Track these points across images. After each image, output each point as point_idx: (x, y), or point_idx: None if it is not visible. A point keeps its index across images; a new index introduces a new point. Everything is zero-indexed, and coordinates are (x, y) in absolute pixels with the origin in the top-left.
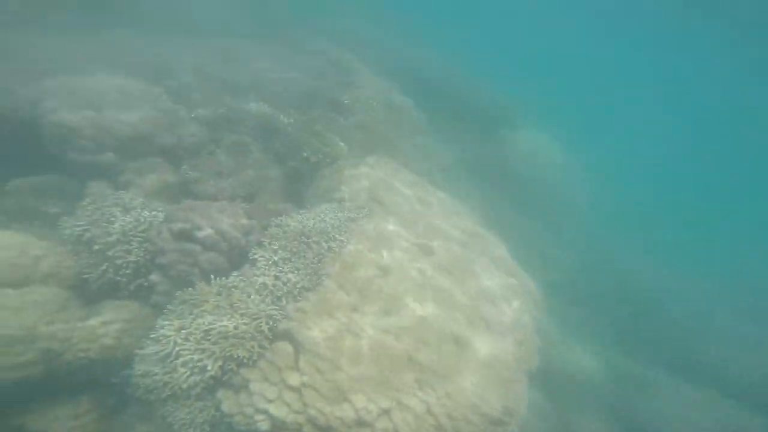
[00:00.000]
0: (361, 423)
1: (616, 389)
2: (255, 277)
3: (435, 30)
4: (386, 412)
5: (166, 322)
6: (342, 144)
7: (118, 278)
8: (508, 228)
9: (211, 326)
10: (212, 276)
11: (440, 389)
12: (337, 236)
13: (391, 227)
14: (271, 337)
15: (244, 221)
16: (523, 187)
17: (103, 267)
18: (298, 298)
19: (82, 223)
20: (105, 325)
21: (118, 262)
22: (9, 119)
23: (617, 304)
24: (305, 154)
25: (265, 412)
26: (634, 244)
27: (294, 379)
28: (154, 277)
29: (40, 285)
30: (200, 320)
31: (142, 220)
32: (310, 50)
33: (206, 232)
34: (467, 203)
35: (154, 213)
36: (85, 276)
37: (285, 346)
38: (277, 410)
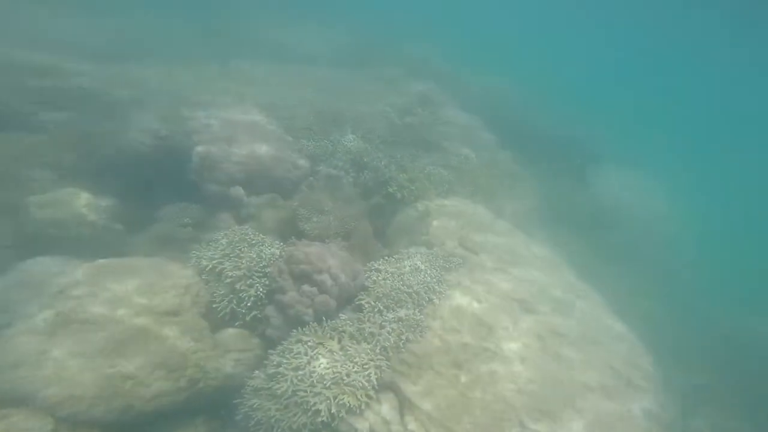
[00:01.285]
0: None
1: None
2: (362, 324)
3: (507, 56)
4: None
5: (284, 360)
6: (427, 182)
7: (239, 309)
8: (600, 281)
9: (326, 371)
10: (323, 318)
11: None
12: (435, 287)
13: (484, 276)
14: (377, 387)
15: (352, 266)
16: (611, 230)
17: (229, 298)
18: (402, 349)
19: (217, 256)
20: (227, 354)
21: (242, 295)
22: (165, 147)
23: (729, 362)
24: (391, 190)
25: None
26: (746, 296)
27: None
28: (270, 311)
29: (187, 313)
30: (315, 363)
31: (264, 256)
32: (396, 82)
33: (323, 276)
34: (554, 249)
35: (272, 250)
36: (215, 306)
37: (389, 397)
38: None
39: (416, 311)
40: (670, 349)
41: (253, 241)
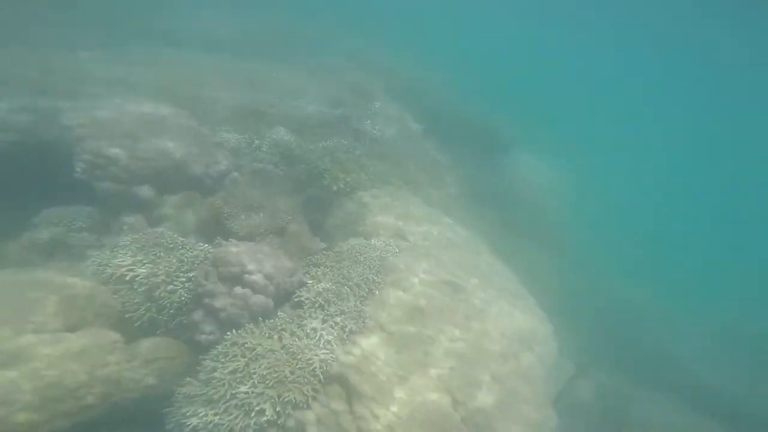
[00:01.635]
0: None
1: (607, 406)
2: (304, 321)
3: (433, 49)
4: None
5: (219, 364)
6: (362, 173)
7: (160, 317)
8: (513, 255)
9: (267, 371)
10: (260, 318)
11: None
12: (374, 278)
13: (420, 265)
14: (323, 380)
15: (288, 264)
16: (522, 211)
17: (147, 306)
18: (347, 341)
19: (127, 262)
20: (148, 364)
21: (163, 302)
22: (36, 144)
23: (608, 328)
24: (326, 182)
25: None
26: (626, 268)
27: (348, 422)
28: (198, 316)
29: (91, 327)
30: (255, 364)
31: (186, 260)
32: (326, 73)
33: (256, 276)
34: (478, 231)
35: (195, 253)
36: (128, 315)
37: (337, 390)
38: None
39: (357, 303)
40: (565, 316)
41: (172, 245)
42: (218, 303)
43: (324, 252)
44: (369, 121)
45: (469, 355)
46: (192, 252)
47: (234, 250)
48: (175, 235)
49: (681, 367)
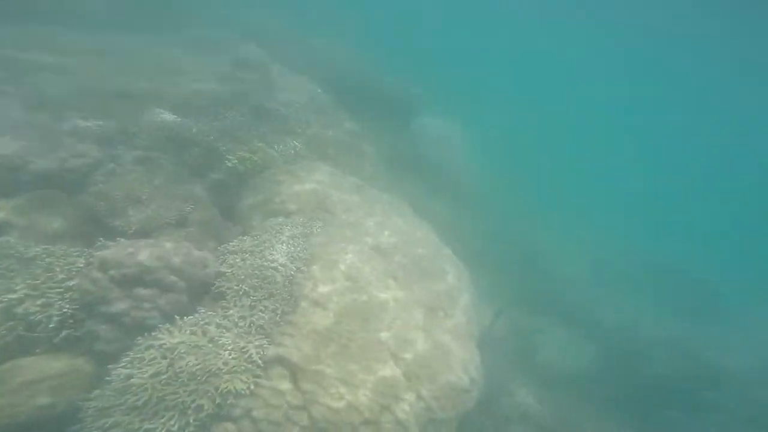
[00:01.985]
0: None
1: (518, 339)
2: (229, 311)
3: (339, 18)
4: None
5: (134, 371)
6: (271, 150)
7: (35, 334)
8: (431, 214)
9: (197, 367)
10: (176, 316)
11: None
12: (301, 255)
13: (346, 235)
14: (262, 365)
15: (197, 253)
16: (433, 171)
17: (8, 326)
18: (281, 323)
19: None
20: (32, 384)
21: (34, 318)
22: None
23: (513, 267)
24: (230, 164)
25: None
26: (529, 212)
27: (297, 399)
28: (93, 325)
29: None
30: (181, 362)
31: (58, 269)
32: (216, 46)
33: (160, 273)
34: (394, 194)
35: (72, 260)
36: None
37: (280, 371)
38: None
39: (286, 283)
40: (478, 259)
41: (29, 255)
42: (116, 308)
43: (241, 238)
44: (272, 96)
45: (403, 304)
46: (65, 259)
47: (128, 249)
48: (30, 243)
49: (571, 300)
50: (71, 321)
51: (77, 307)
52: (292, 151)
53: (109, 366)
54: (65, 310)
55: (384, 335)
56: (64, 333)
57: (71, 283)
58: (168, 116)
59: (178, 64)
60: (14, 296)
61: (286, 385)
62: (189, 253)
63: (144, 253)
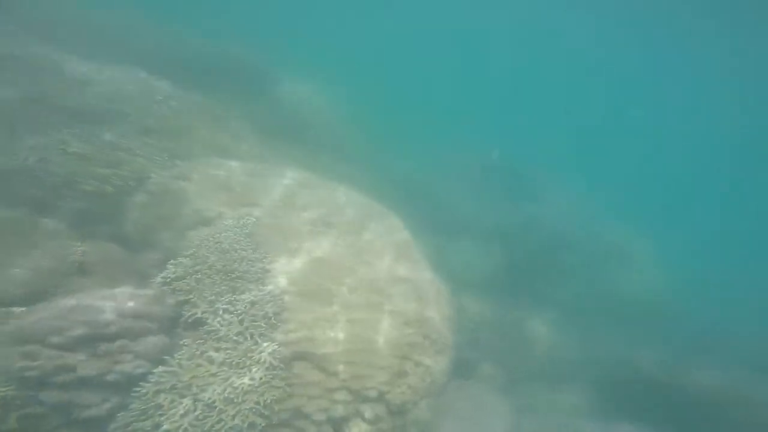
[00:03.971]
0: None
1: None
2: (219, 332)
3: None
4: None
5: (159, 419)
6: (137, 158)
7: None
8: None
9: (226, 392)
10: (165, 358)
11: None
12: (255, 255)
13: (286, 222)
14: (283, 366)
15: (146, 291)
16: (306, 133)
17: None
18: (278, 324)
19: None
20: None
21: None
22: None
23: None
24: (89, 188)
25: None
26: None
27: (336, 383)
28: (59, 396)
29: None
30: (205, 395)
31: None
32: None
33: (122, 323)
34: (287, 164)
35: None
36: None
37: (303, 364)
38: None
39: (260, 286)
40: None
41: None
42: (88, 371)
43: (173, 262)
44: (88, 91)
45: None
46: None
47: (64, 307)
48: None
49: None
50: (18, 402)
51: (17, 387)
52: (165, 154)
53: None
54: (9, 394)
55: (348, 281)
56: (19, 413)
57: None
58: None
59: None
60: None
61: (316, 375)
62: (134, 294)
63: (80, 309)
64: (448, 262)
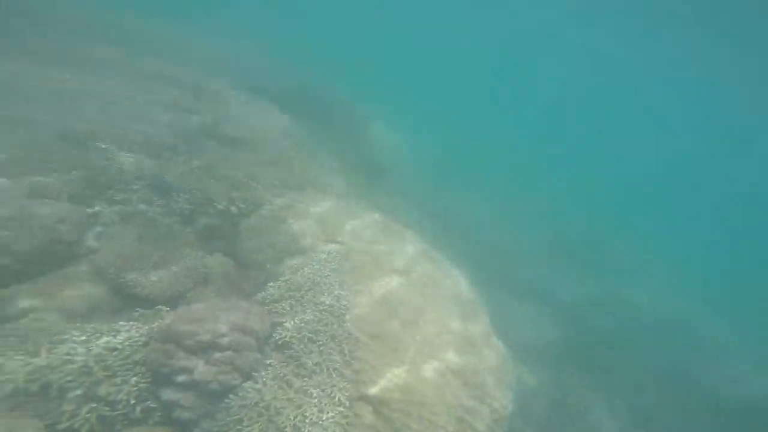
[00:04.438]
0: None
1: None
2: (301, 359)
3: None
4: None
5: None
6: (257, 185)
7: (114, 412)
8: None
9: (298, 419)
10: (254, 373)
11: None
12: (341, 292)
13: (364, 260)
14: (348, 404)
15: (255, 308)
16: (386, 173)
17: (90, 407)
18: (351, 361)
19: (19, 378)
20: None
21: (114, 397)
22: None
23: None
24: (221, 206)
25: None
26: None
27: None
28: (170, 395)
29: None
30: (280, 418)
31: (118, 346)
32: (136, 69)
33: (234, 336)
34: (371, 203)
35: (125, 335)
36: (63, 426)
37: (365, 407)
38: None
39: (339, 321)
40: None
41: (88, 341)
42: (199, 376)
43: (272, 284)
44: (237, 124)
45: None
46: (121, 335)
47: (195, 315)
48: (88, 327)
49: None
50: (145, 394)
51: (149, 379)
52: (277, 182)
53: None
54: (141, 385)
55: (415, 331)
56: (141, 406)
57: (137, 357)
58: (143, 161)
59: (112, 93)
60: (93, 379)
61: (372, 419)
62: (249, 310)
63: (206, 318)
64: (510, 322)
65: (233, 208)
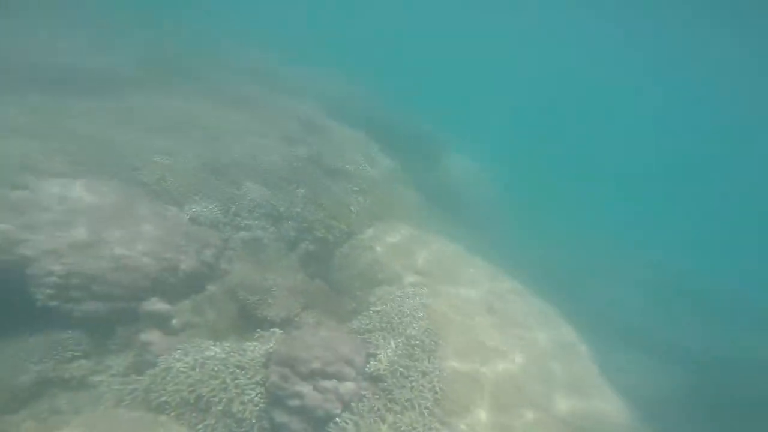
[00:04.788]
0: None
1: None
2: (392, 393)
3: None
4: None
5: None
6: (352, 215)
7: (240, 430)
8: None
9: None
10: (351, 404)
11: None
12: (430, 327)
13: (449, 291)
14: None
15: (355, 338)
16: (467, 206)
17: (225, 423)
18: (441, 400)
19: (184, 389)
20: None
21: (241, 415)
22: None
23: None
24: (320, 234)
25: None
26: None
27: None
28: (281, 417)
29: None
30: None
31: (246, 367)
32: (252, 104)
33: (339, 365)
34: (450, 236)
35: (251, 355)
36: None
37: None
38: None
39: (430, 358)
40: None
41: (227, 359)
42: (310, 402)
43: (365, 314)
44: (341, 156)
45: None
46: (247, 354)
47: (306, 343)
48: (215, 342)
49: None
50: (263, 415)
51: (266, 401)
52: (369, 213)
53: None
54: (259, 406)
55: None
56: (258, 425)
57: (258, 378)
58: (262, 192)
59: (238, 126)
60: (229, 395)
61: None
62: (351, 341)
63: (320, 347)
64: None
65: (330, 236)
